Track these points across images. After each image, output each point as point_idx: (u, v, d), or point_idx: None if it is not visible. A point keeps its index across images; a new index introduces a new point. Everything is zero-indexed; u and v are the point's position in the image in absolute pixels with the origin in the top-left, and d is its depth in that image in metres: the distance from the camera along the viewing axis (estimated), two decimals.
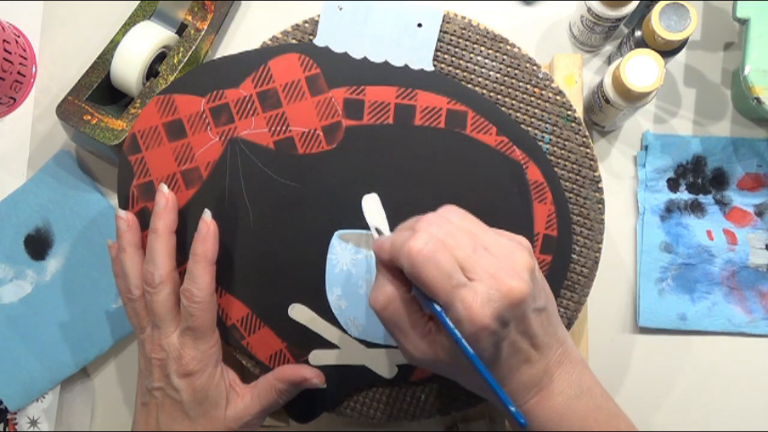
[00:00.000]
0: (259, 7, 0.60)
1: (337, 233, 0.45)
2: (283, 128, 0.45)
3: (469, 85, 0.46)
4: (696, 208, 0.57)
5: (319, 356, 0.45)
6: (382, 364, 0.45)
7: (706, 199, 0.57)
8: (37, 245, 0.56)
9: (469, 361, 0.33)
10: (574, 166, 0.46)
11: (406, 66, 0.45)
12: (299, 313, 0.45)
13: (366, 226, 0.42)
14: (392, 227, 0.39)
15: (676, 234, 0.56)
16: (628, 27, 0.58)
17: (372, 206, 0.43)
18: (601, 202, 0.47)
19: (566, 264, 0.45)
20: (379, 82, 0.45)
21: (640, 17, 0.54)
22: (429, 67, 0.45)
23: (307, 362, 0.46)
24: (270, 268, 0.45)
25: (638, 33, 0.52)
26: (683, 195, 0.57)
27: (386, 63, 0.45)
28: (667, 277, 0.56)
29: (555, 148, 0.46)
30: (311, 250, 0.45)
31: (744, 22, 0.52)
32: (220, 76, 0.45)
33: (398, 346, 0.37)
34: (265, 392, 0.44)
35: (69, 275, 0.56)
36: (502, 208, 0.43)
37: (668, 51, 0.51)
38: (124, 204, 0.46)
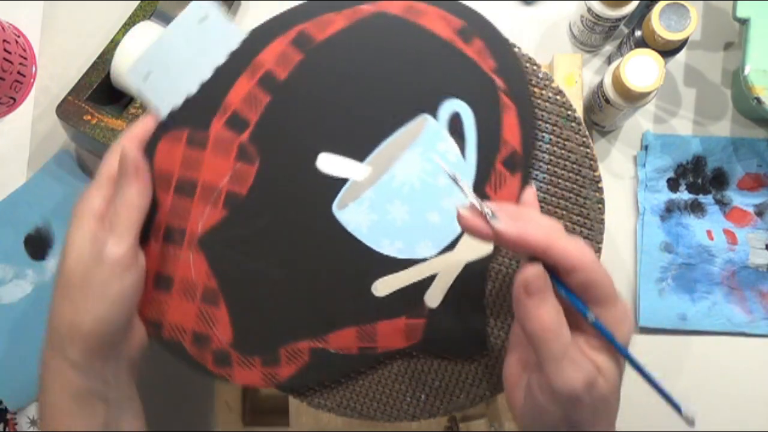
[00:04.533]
0: (259, 7, 0.60)
1: (334, 205, 0.43)
2: (214, 193, 0.43)
3: None
4: (696, 208, 0.57)
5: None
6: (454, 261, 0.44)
7: (706, 199, 0.57)
8: (37, 245, 0.56)
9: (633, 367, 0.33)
10: (574, 166, 0.46)
11: (221, 64, 0.43)
12: (385, 285, 0.44)
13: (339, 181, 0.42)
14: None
15: (676, 234, 0.56)
16: (628, 27, 0.58)
17: (331, 165, 0.42)
18: (601, 202, 0.47)
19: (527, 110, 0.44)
20: (230, 84, 0.43)
21: (640, 17, 0.54)
22: (239, 38, 0.43)
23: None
24: (320, 291, 0.44)
25: (638, 33, 0.52)
26: (683, 195, 0.57)
27: (212, 75, 0.43)
28: (667, 277, 0.56)
29: (555, 148, 0.46)
30: (331, 247, 0.43)
31: (744, 22, 0.52)
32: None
33: (539, 377, 0.33)
34: None
35: None
36: (440, 59, 0.42)
37: (668, 51, 0.51)
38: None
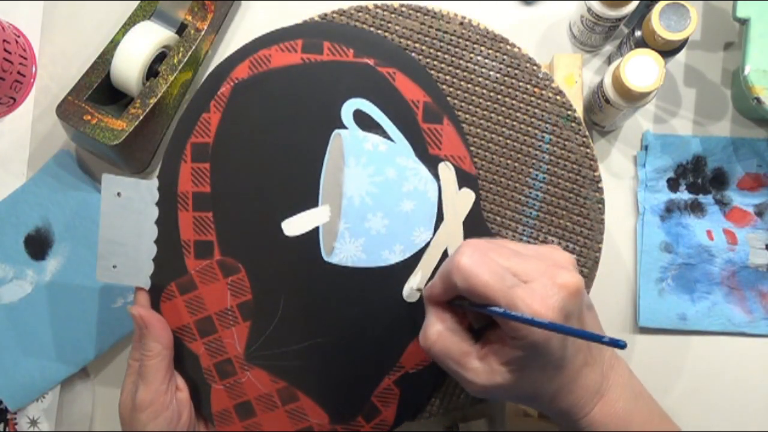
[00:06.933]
0: (259, 7, 0.60)
1: (323, 254, 0.44)
2: (228, 314, 0.45)
3: (469, 85, 0.46)
4: (696, 208, 0.57)
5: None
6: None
7: (706, 199, 0.57)
8: (37, 245, 0.56)
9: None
10: (574, 166, 0.46)
11: None
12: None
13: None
14: None
15: (676, 234, 0.56)
16: (628, 27, 0.58)
17: (296, 226, 0.44)
18: (601, 202, 0.47)
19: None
20: (176, 224, 0.45)
21: (640, 17, 0.54)
22: (154, 187, 0.45)
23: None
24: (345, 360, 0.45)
25: (638, 33, 0.52)
26: (683, 195, 0.57)
27: (158, 228, 0.46)
28: (667, 277, 0.56)
29: (555, 148, 0.46)
30: (348, 289, 0.44)
31: (744, 22, 0.52)
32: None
33: (460, 382, 0.37)
34: None
35: (69, 275, 0.56)
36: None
37: (668, 51, 0.51)
38: None
